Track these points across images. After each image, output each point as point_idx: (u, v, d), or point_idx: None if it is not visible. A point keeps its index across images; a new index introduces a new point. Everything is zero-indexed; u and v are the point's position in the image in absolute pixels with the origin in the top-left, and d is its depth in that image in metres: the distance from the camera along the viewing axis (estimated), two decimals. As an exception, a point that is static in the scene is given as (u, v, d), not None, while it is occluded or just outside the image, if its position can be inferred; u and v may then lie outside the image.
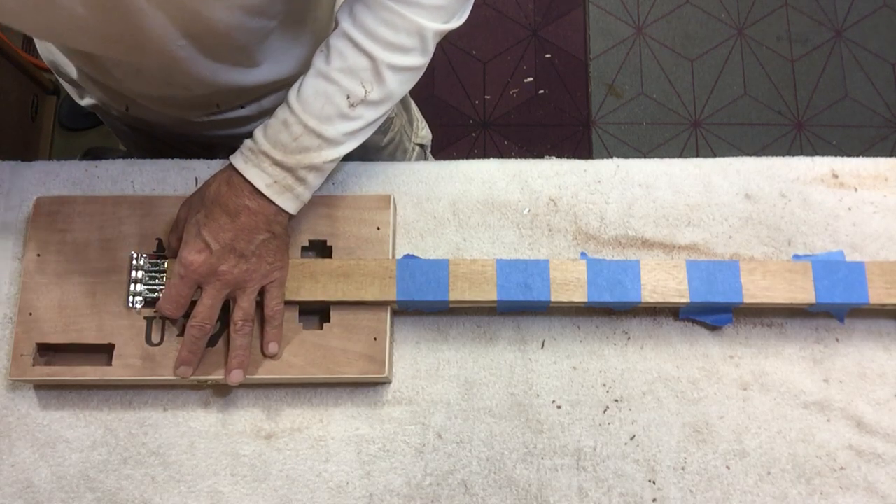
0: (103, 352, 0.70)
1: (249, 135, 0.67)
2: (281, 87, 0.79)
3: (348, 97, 0.64)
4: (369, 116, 0.67)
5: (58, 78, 0.88)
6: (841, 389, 0.73)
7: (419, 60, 0.66)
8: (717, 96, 1.90)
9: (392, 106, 0.68)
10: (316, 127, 0.64)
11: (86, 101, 0.89)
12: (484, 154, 1.84)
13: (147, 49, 0.63)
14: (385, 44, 0.63)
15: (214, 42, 0.64)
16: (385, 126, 0.93)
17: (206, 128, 0.84)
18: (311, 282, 0.70)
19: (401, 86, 0.67)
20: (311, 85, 0.64)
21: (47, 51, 0.84)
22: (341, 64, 0.64)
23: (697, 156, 1.83)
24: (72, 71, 0.82)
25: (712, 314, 0.73)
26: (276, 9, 0.65)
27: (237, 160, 0.66)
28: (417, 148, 1.08)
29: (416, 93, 0.70)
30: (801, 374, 0.73)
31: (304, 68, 0.67)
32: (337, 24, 0.65)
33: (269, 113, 0.66)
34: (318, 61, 0.65)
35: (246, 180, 0.65)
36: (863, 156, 0.80)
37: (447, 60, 1.91)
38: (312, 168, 0.66)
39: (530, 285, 0.70)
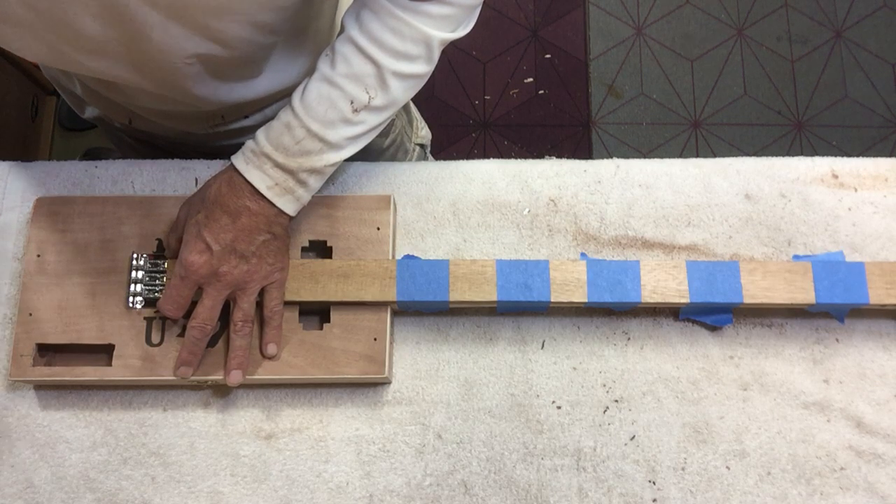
0: (103, 352, 0.70)
1: None
2: (284, 96, 0.79)
3: (352, 103, 0.64)
4: (372, 122, 0.67)
5: (58, 91, 0.88)
6: (841, 390, 0.73)
7: (424, 68, 0.66)
8: (717, 96, 1.90)
9: (395, 112, 0.68)
10: (319, 131, 0.64)
11: (87, 114, 0.89)
12: (484, 154, 1.84)
13: (156, 67, 0.63)
14: (391, 51, 0.63)
15: (223, 57, 0.64)
16: (386, 129, 0.93)
17: (209, 139, 0.84)
18: (311, 282, 0.70)
19: (405, 93, 0.67)
20: (315, 89, 0.64)
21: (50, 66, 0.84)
22: (346, 69, 0.64)
23: (697, 156, 1.83)
24: (74, 86, 0.82)
25: (712, 314, 0.73)
26: (285, 25, 0.66)
27: (238, 161, 0.66)
28: (418, 148, 1.08)
29: (416, 93, 0.70)
30: (801, 374, 0.73)
31: (305, 77, 0.67)
32: (343, 29, 0.65)
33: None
34: (323, 66, 0.65)
35: (247, 181, 0.65)
36: (863, 156, 0.80)
37: (447, 61, 1.91)
38: (314, 171, 0.66)
39: (530, 286, 0.70)
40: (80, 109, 0.89)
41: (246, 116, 0.81)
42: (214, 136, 0.83)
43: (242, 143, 0.67)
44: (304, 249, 0.73)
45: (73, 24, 0.56)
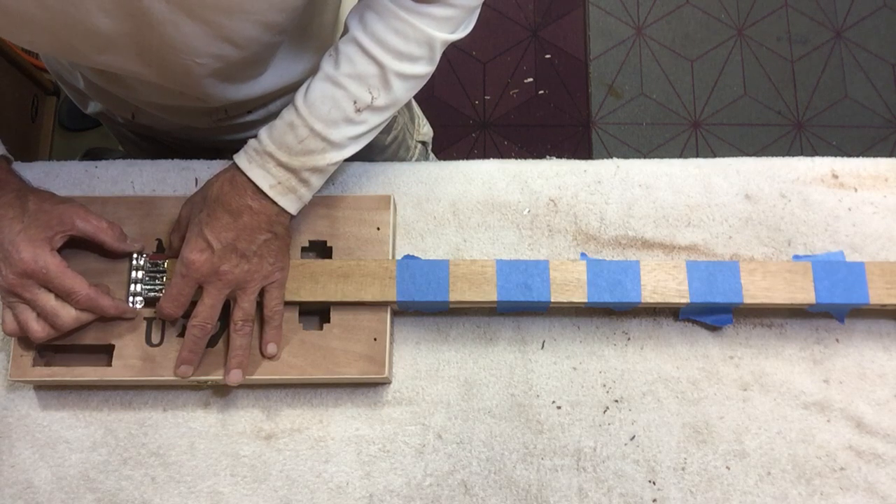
0: (103, 352, 0.70)
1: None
2: (288, 92, 0.79)
3: (355, 102, 0.65)
4: (373, 121, 0.67)
5: (61, 86, 0.88)
6: (841, 390, 0.73)
7: (426, 69, 0.67)
8: (717, 96, 1.90)
9: (395, 111, 0.69)
10: (322, 130, 0.65)
11: (90, 109, 0.89)
12: (484, 154, 1.84)
13: (166, 64, 0.63)
14: (394, 52, 0.64)
15: (233, 57, 0.65)
16: (388, 125, 0.93)
17: (212, 133, 0.84)
18: (311, 282, 0.70)
19: (406, 93, 0.67)
20: (318, 88, 0.65)
21: (54, 60, 0.85)
22: (350, 69, 0.64)
23: (697, 156, 1.83)
24: (77, 81, 0.82)
25: (712, 314, 0.73)
26: (292, 24, 0.66)
27: (241, 160, 0.66)
28: (419, 145, 1.08)
29: (416, 93, 0.70)
30: (801, 374, 0.73)
31: (309, 73, 0.67)
32: (346, 30, 0.66)
33: (275, 116, 0.67)
34: (327, 65, 0.65)
35: (249, 180, 0.65)
36: (863, 156, 0.81)
37: (447, 61, 1.91)
38: (316, 170, 0.66)
39: (530, 286, 0.70)
40: (83, 105, 0.89)
41: (250, 112, 0.81)
42: (217, 130, 0.83)
43: (245, 139, 0.68)
44: (304, 249, 0.73)
45: (85, 21, 0.56)
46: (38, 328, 0.65)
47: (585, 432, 0.72)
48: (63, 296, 0.65)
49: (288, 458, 0.71)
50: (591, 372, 0.73)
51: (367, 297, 0.69)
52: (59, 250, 0.66)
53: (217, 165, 0.79)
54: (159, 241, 0.72)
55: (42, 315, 0.65)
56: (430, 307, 0.72)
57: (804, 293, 0.70)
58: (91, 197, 0.74)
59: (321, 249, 0.74)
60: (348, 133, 0.66)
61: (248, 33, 0.62)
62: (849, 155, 0.82)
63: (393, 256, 0.74)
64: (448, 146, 1.86)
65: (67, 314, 0.65)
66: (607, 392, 0.73)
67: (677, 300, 0.70)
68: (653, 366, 0.73)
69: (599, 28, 1.95)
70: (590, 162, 0.80)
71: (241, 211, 0.65)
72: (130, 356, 0.69)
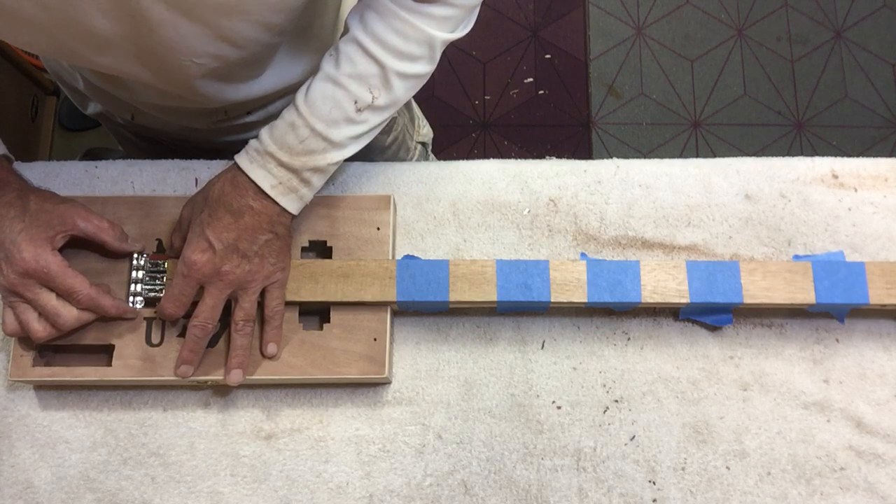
0: (103, 352, 0.70)
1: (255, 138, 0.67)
2: (287, 93, 0.79)
3: (356, 102, 0.65)
4: (374, 121, 0.67)
5: (61, 87, 0.88)
6: (841, 390, 0.73)
7: (426, 68, 0.67)
8: (717, 96, 1.90)
9: (395, 111, 0.69)
10: (323, 130, 0.65)
11: (90, 110, 0.89)
12: (484, 154, 1.84)
13: (164, 65, 0.63)
14: (395, 52, 0.64)
15: (231, 57, 0.65)
16: (388, 126, 0.93)
17: (212, 134, 0.84)
18: (311, 282, 0.70)
19: (407, 92, 0.67)
20: (319, 89, 0.65)
21: (54, 62, 0.85)
22: (350, 69, 0.64)
23: (697, 156, 1.83)
24: (77, 82, 0.82)
25: (712, 314, 0.73)
26: (292, 25, 0.66)
27: (242, 160, 0.66)
28: (419, 146, 1.09)
29: (416, 93, 0.70)
30: (801, 374, 0.73)
31: (309, 74, 0.68)
32: (346, 30, 0.66)
33: (275, 118, 0.67)
34: (328, 65, 0.66)
35: (251, 181, 0.65)
36: (863, 156, 0.80)
37: (447, 61, 1.91)
38: (317, 170, 0.66)
39: (530, 286, 0.70)
40: (83, 105, 0.89)
41: (249, 113, 0.81)
42: (217, 131, 0.83)
43: (245, 140, 0.68)
44: (304, 249, 0.73)
45: (83, 22, 0.56)
46: (39, 328, 0.65)
47: (585, 432, 0.72)
48: (64, 295, 0.65)
49: (288, 458, 0.71)
50: (591, 372, 0.73)
51: (367, 297, 0.69)
52: (60, 250, 0.66)
53: (217, 165, 0.79)
54: (159, 241, 0.72)
55: (43, 315, 0.65)
56: (430, 307, 0.72)
57: (804, 293, 0.70)
58: (91, 197, 0.74)
59: (321, 249, 0.74)
60: (349, 133, 0.66)
61: (247, 34, 0.62)
62: (849, 155, 0.82)
63: (393, 256, 0.74)
64: (448, 146, 1.86)
65: (69, 314, 0.65)
66: (607, 392, 0.73)
67: (677, 300, 0.70)
68: (653, 366, 0.73)
69: (599, 28, 1.95)
70: (590, 162, 0.80)
71: (242, 211, 0.65)
72: (130, 356, 0.69)
